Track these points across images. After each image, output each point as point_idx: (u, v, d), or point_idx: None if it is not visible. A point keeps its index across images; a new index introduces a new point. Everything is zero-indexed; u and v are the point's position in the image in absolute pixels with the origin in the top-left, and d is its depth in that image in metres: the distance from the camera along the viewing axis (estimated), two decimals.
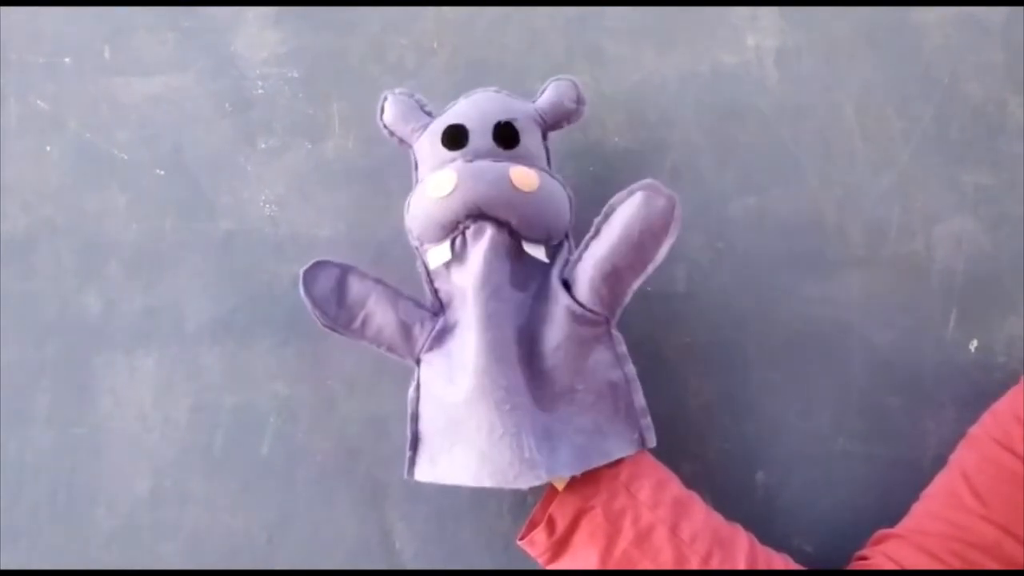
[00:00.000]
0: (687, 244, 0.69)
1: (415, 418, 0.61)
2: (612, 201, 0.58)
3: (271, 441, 0.70)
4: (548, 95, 0.62)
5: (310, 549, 0.69)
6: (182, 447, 0.70)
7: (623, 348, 0.60)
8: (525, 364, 0.58)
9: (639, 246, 0.57)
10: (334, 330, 0.61)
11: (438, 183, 0.58)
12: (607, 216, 0.58)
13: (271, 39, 0.72)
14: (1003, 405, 0.60)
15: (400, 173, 0.70)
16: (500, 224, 0.58)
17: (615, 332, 0.60)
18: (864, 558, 0.59)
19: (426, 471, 0.60)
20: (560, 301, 0.59)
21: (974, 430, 0.61)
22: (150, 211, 0.72)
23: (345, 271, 0.62)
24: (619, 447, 0.58)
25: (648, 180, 0.57)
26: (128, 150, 0.72)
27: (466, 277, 0.59)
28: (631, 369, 0.60)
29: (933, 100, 0.68)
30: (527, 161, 0.60)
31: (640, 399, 0.60)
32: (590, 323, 0.59)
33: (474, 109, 0.61)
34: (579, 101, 0.62)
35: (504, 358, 0.57)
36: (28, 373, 0.71)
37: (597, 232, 0.58)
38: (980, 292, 0.67)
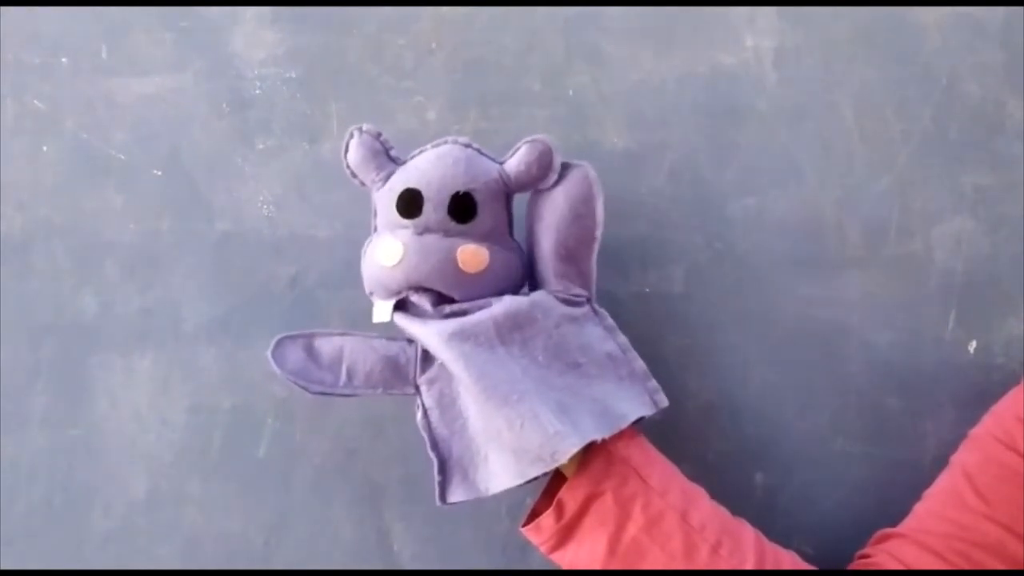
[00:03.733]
0: (685, 245, 0.69)
1: (434, 443, 0.60)
2: (529, 202, 0.61)
3: (268, 442, 0.70)
4: (518, 158, 0.60)
5: (308, 550, 0.69)
6: (179, 448, 0.70)
7: (609, 321, 0.62)
8: (519, 352, 0.58)
9: (577, 218, 0.60)
10: (328, 394, 0.61)
11: (386, 252, 0.59)
12: (532, 213, 0.61)
13: (269, 39, 0.72)
14: (1004, 405, 0.60)
15: None
16: (442, 297, 0.60)
17: (598, 308, 0.62)
18: (867, 556, 0.59)
19: (460, 492, 0.59)
20: (540, 292, 0.61)
21: (976, 430, 0.61)
22: (147, 211, 0.71)
23: (309, 338, 0.62)
24: (634, 409, 0.58)
25: (556, 164, 0.60)
26: (125, 150, 0.72)
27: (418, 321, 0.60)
28: (623, 339, 0.61)
29: (932, 101, 0.68)
30: (480, 236, 0.59)
31: (639, 364, 0.61)
32: (574, 304, 0.61)
33: (436, 171, 0.59)
34: (549, 168, 0.60)
35: (488, 360, 0.57)
36: (24, 374, 0.71)
37: (532, 234, 0.61)
38: (979, 293, 0.67)
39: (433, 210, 0.58)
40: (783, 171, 0.69)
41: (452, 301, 0.60)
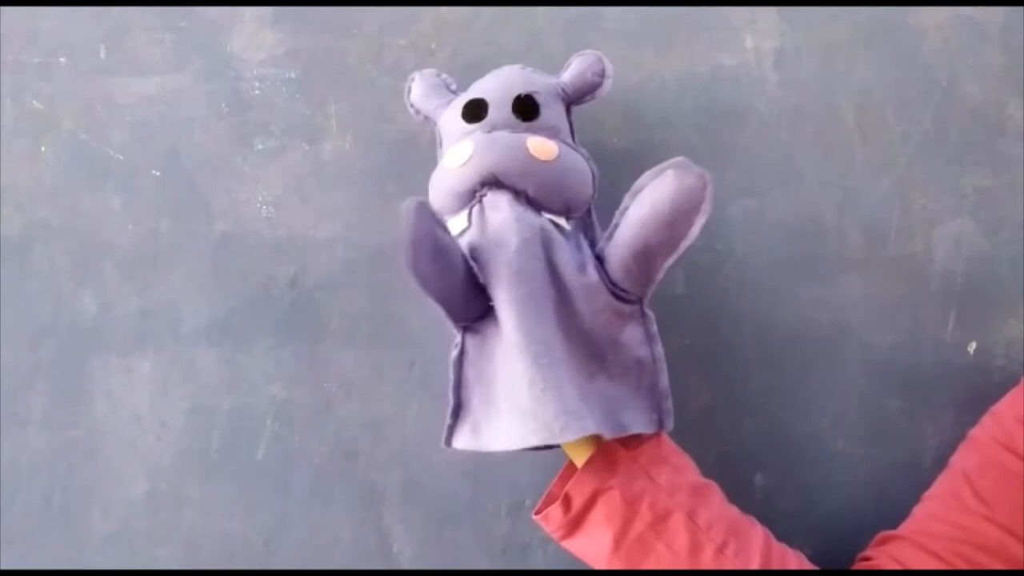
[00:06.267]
0: None
1: (458, 385, 0.59)
2: (641, 180, 0.57)
3: (268, 444, 0.69)
4: (572, 68, 0.62)
5: (307, 552, 0.69)
6: (178, 450, 0.70)
7: (654, 328, 0.60)
8: (561, 321, 0.57)
9: (670, 224, 0.56)
10: (418, 277, 0.53)
11: (456, 153, 0.59)
12: (635, 194, 0.57)
13: (268, 40, 0.72)
14: (1004, 406, 0.60)
15: (398, 174, 0.70)
16: (516, 193, 0.58)
17: (647, 311, 0.60)
18: (868, 559, 0.59)
19: (467, 440, 0.58)
20: (595, 275, 0.58)
21: (975, 432, 0.61)
22: (146, 212, 0.71)
23: (437, 220, 0.56)
24: (637, 422, 0.58)
25: (679, 158, 0.55)
26: (124, 151, 0.72)
27: (491, 242, 0.57)
28: (660, 350, 0.59)
29: (932, 102, 0.68)
30: (547, 133, 0.60)
31: (664, 380, 0.59)
32: (623, 300, 0.59)
33: (496, 83, 0.62)
34: (603, 74, 0.62)
35: (537, 313, 0.56)
36: (23, 375, 0.70)
37: (626, 210, 0.58)
38: (979, 294, 0.67)
39: (498, 111, 0.60)
40: (783, 172, 0.69)
41: (528, 201, 0.58)
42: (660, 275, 0.58)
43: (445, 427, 0.59)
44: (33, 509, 0.70)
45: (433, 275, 0.55)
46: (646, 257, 0.57)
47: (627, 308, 0.59)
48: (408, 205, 0.52)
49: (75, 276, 0.71)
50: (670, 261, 0.57)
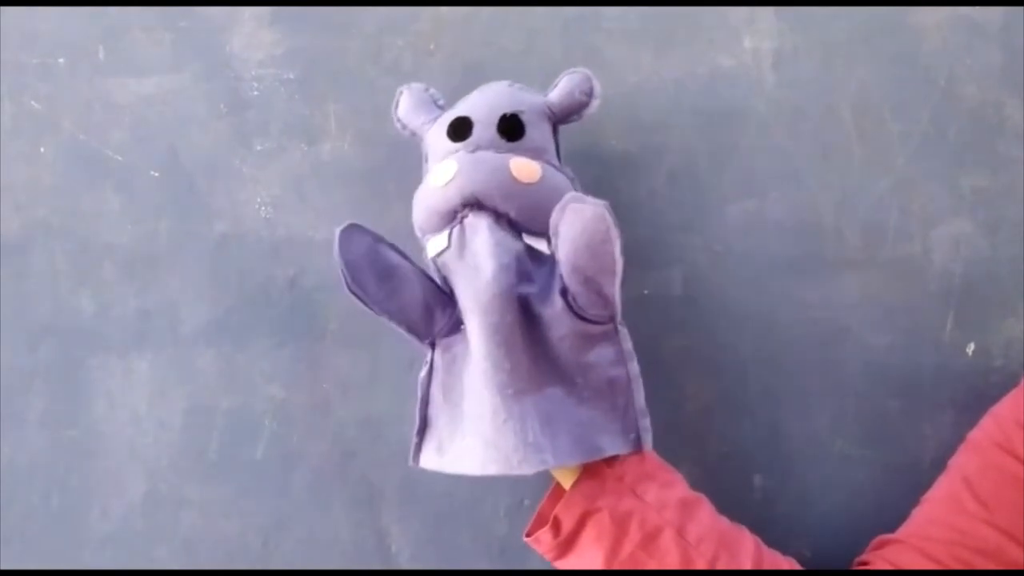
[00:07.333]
0: (684, 247, 0.69)
1: (425, 403, 0.60)
2: (552, 218, 0.56)
3: (266, 444, 0.69)
4: (560, 88, 0.62)
5: (306, 552, 0.69)
6: (177, 450, 0.70)
7: (628, 345, 0.59)
8: (530, 348, 0.57)
9: (593, 256, 0.55)
10: (359, 297, 0.58)
11: (439, 173, 0.59)
12: (555, 232, 0.56)
13: (267, 40, 0.72)
14: (1004, 408, 0.60)
15: (397, 175, 0.70)
16: (498, 215, 0.58)
17: (621, 328, 0.59)
18: (865, 563, 0.59)
19: (432, 460, 0.59)
20: (559, 301, 0.58)
21: (975, 434, 0.60)
22: (145, 213, 0.71)
23: (378, 240, 0.59)
24: (612, 444, 0.57)
25: (571, 194, 0.55)
26: (123, 151, 0.72)
27: (468, 265, 0.58)
28: (635, 368, 0.59)
29: (931, 102, 0.68)
30: (531, 153, 0.60)
31: (641, 399, 0.59)
32: (593, 322, 0.58)
33: (483, 101, 0.61)
34: (591, 94, 0.62)
35: (506, 342, 0.56)
36: (22, 375, 0.70)
37: (556, 248, 0.57)
38: (978, 295, 0.67)
39: (483, 130, 0.59)
40: (782, 173, 0.69)
41: (509, 224, 0.58)
42: (616, 297, 0.57)
43: (412, 445, 0.60)
44: (32, 509, 0.70)
45: (382, 296, 0.58)
46: (591, 286, 0.56)
47: (597, 329, 0.58)
48: (337, 230, 0.57)
49: (74, 276, 0.71)
50: (617, 283, 0.56)
